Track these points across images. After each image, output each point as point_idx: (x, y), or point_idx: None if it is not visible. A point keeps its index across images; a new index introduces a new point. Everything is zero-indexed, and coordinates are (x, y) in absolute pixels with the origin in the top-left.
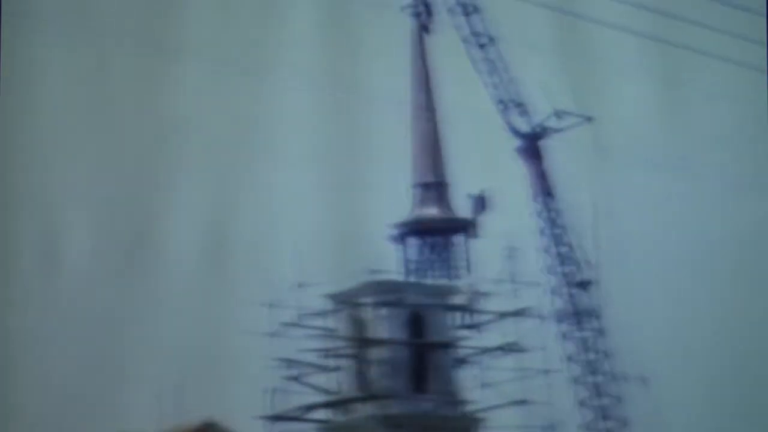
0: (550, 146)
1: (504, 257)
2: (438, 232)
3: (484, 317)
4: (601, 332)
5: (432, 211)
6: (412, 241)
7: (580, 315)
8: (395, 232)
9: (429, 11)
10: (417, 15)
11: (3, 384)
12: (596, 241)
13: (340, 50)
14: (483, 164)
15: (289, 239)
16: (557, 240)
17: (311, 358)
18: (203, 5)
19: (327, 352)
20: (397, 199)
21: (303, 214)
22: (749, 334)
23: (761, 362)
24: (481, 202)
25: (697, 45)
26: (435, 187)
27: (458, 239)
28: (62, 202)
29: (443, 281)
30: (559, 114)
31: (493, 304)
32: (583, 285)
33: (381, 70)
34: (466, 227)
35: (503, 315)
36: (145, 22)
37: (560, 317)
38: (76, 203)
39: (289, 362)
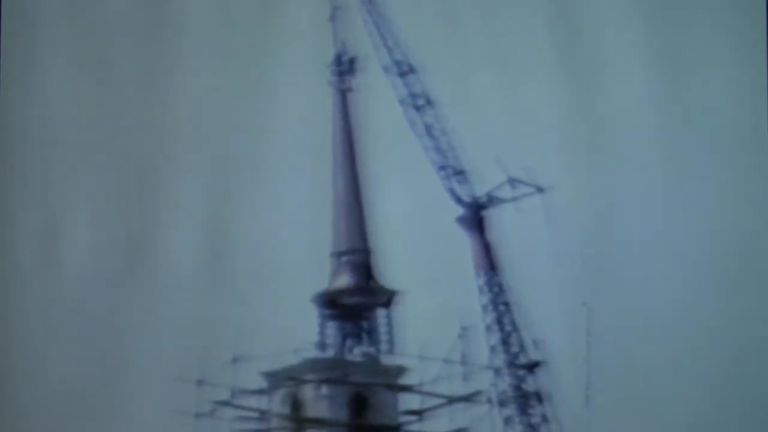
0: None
1: (456, 336)
2: (354, 305)
3: (432, 401)
4: (545, 419)
5: (344, 282)
6: (328, 315)
7: (525, 399)
8: (315, 305)
9: (352, 69)
10: (340, 74)
11: (3, 384)
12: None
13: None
14: (427, 233)
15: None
16: (500, 318)
17: None
18: (204, 5)
19: None
20: None
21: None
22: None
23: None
24: None
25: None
26: (351, 255)
27: (380, 312)
28: (62, 202)
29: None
30: (513, 183)
31: (443, 387)
32: (530, 367)
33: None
34: (387, 299)
35: (453, 399)
36: (146, 22)
37: (504, 401)
38: (76, 203)
39: None
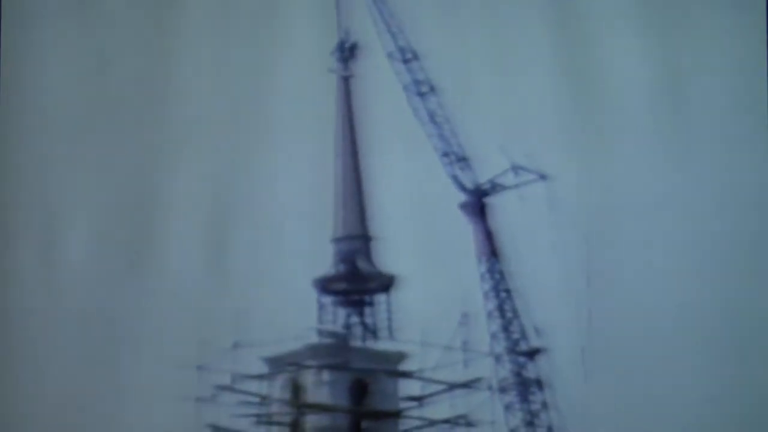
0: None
1: (456, 322)
2: (352, 290)
3: (432, 388)
4: (545, 405)
5: (336, 268)
6: (327, 300)
7: (525, 385)
8: (316, 290)
9: (354, 55)
10: (342, 60)
11: (3, 384)
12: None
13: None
14: (429, 219)
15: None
16: (502, 305)
17: (243, 425)
18: (204, 3)
19: (260, 419)
20: None
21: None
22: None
23: None
24: None
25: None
26: (348, 241)
27: (379, 298)
28: (62, 202)
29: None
30: (516, 169)
31: (443, 374)
32: (531, 354)
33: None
34: (386, 285)
35: (453, 386)
36: (145, 22)
37: (504, 387)
38: (76, 203)
39: (219, 430)
